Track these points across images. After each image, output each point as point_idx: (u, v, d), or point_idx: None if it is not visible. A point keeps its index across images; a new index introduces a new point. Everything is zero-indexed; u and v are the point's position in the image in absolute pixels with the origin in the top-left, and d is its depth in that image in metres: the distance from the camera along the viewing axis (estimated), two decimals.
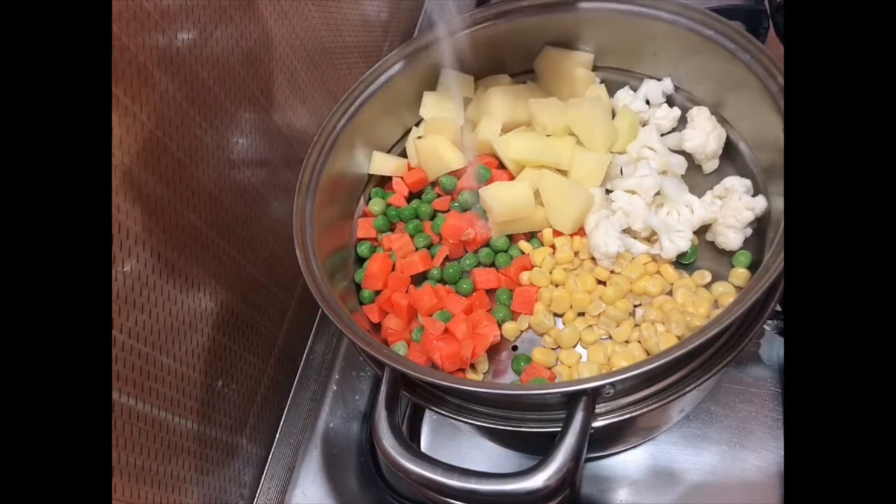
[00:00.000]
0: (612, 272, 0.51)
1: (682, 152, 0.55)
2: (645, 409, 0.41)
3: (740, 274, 0.49)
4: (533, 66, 0.63)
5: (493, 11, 0.60)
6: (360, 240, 0.57)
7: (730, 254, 0.50)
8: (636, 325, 0.48)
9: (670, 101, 0.58)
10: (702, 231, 0.52)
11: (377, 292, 0.54)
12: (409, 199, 0.59)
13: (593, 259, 0.51)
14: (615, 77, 0.61)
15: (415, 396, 0.45)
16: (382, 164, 0.60)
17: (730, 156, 0.55)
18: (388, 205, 0.58)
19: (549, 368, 0.48)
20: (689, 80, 0.58)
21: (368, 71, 0.59)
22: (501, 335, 0.50)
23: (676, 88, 0.58)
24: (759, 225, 0.50)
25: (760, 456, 0.56)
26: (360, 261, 0.57)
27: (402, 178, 0.59)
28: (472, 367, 0.49)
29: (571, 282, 0.51)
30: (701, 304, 0.47)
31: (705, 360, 0.42)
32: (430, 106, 0.61)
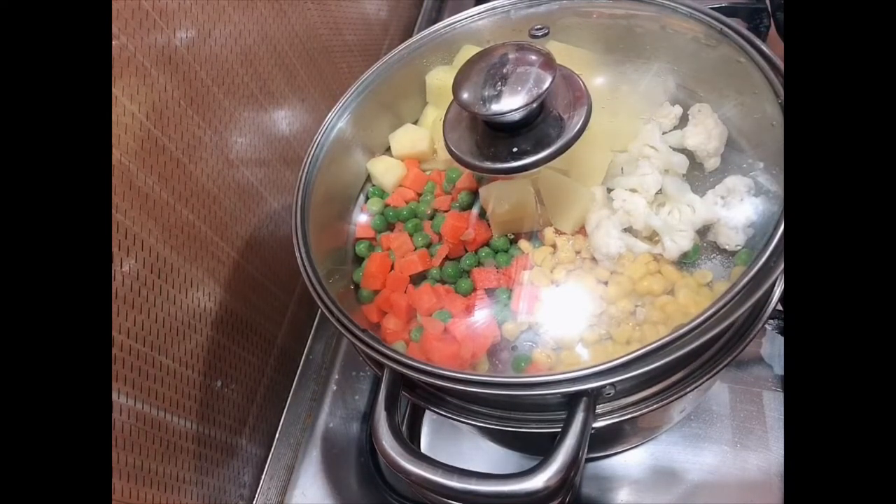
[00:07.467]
0: (612, 272, 0.50)
1: (684, 150, 0.54)
2: (646, 410, 0.41)
3: (742, 273, 0.48)
4: None
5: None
6: (359, 239, 0.57)
7: (731, 253, 0.50)
8: (638, 325, 0.48)
9: (672, 99, 0.58)
10: (703, 231, 0.52)
11: (376, 292, 0.53)
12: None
13: (594, 259, 0.51)
14: (616, 74, 0.61)
15: (414, 397, 0.44)
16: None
17: (732, 154, 0.54)
18: (386, 205, 0.58)
19: (550, 369, 0.48)
20: (690, 77, 0.57)
21: (368, 70, 0.59)
22: (501, 335, 0.50)
23: (678, 86, 0.58)
24: (760, 224, 0.50)
25: (761, 456, 0.56)
26: (359, 260, 0.56)
27: (403, 185, 0.59)
28: (472, 367, 0.49)
29: (572, 281, 0.50)
30: (703, 305, 0.47)
31: (706, 359, 0.42)
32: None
